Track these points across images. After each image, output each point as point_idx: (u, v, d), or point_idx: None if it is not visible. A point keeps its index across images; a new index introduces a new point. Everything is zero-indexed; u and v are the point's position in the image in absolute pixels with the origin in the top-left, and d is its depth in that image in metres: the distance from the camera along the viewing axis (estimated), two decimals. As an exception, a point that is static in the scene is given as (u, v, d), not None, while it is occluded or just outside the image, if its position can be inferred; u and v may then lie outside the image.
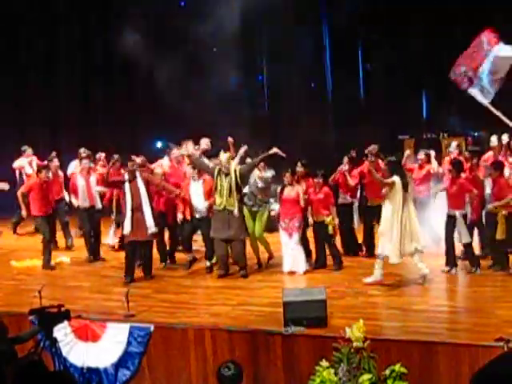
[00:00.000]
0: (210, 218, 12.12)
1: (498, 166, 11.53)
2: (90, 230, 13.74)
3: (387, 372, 8.06)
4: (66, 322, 8.20)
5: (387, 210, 10.82)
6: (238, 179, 11.71)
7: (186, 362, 9.41)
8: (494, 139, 13.61)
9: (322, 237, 12.05)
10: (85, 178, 13.72)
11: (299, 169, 12.43)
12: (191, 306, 10.43)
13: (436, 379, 8.28)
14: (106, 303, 10.74)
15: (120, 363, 9.72)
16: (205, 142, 13.44)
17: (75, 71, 21.41)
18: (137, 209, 11.75)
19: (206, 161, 12.63)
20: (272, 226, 13.50)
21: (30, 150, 16.25)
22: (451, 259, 11.43)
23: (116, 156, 13.57)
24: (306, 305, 8.98)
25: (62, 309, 7.75)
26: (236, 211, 11.64)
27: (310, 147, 16.89)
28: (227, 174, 11.72)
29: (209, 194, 12.20)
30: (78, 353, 9.86)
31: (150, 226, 11.79)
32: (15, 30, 20.70)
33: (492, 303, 9.74)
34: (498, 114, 10.71)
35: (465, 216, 11.42)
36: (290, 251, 11.90)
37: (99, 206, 13.93)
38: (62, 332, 9.21)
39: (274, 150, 11.86)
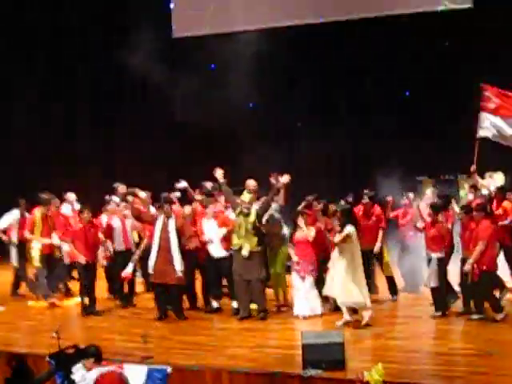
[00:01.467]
0: (230, 258, 12.13)
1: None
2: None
3: (406, 416, 7.99)
4: (82, 364, 8.18)
5: (341, 261, 11.01)
6: (257, 221, 11.70)
7: (204, 405, 9.35)
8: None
9: None
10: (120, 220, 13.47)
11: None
12: (209, 348, 10.38)
13: (456, 424, 8.19)
14: (124, 344, 10.72)
15: (138, 405, 9.65)
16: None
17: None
18: (164, 250, 11.80)
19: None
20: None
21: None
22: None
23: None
24: (324, 347, 8.93)
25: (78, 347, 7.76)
26: (246, 252, 11.58)
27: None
28: (247, 215, 11.71)
29: (222, 225, 12.32)
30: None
31: (177, 269, 11.77)
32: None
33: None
34: None
35: (441, 259, 11.37)
36: (303, 295, 11.78)
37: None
38: (79, 373, 9.17)
39: (286, 178, 11.93)
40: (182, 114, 20.72)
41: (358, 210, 13.01)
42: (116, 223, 13.41)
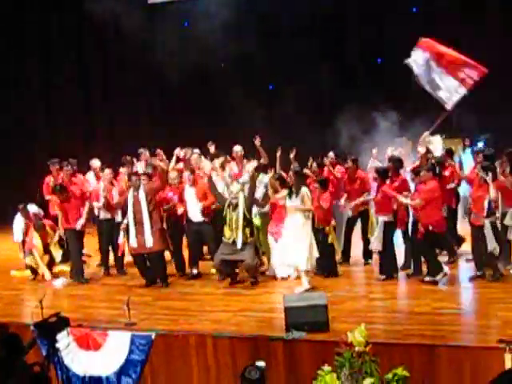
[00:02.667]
0: (209, 224, 12.20)
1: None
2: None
3: (390, 376, 8.02)
4: (66, 332, 8.17)
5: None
6: (246, 212, 11.61)
7: (188, 369, 9.38)
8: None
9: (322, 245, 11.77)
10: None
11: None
12: (192, 313, 10.41)
13: (438, 382, 8.27)
14: (107, 311, 10.72)
15: (122, 371, 9.70)
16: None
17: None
18: (139, 222, 11.78)
19: (220, 185, 12.48)
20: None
21: None
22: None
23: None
24: (307, 310, 8.98)
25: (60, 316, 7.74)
26: (240, 245, 11.46)
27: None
28: (236, 207, 11.61)
29: (202, 197, 12.28)
30: (80, 362, 9.84)
31: (148, 239, 11.75)
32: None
33: (493, 304, 9.72)
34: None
35: (387, 223, 11.41)
36: (277, 256, 11.72)
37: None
38: (64, 341, 9.18)
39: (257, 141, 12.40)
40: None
41: (342, 173, 12.99)
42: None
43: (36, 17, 21.37)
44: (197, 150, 14.23)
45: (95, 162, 14.64)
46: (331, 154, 13.89)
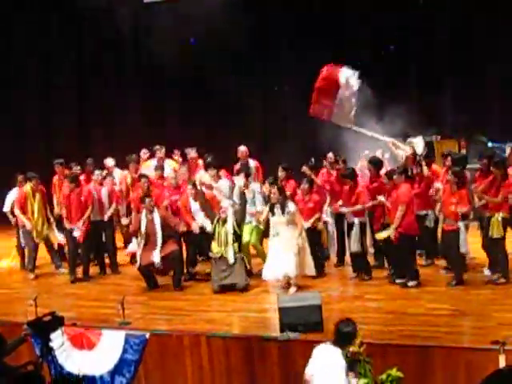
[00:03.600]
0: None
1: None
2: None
3: (383, 376, 8.02)
4: (60, 331, 8.17)
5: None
6: (236, 227, 11.54)
7: (182, 369, 9.38)
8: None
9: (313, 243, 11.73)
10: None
11: (281, 173, 12.41)
12: (186, 313, 10.41)
13: (432, 383, 8.28)
14: (102, 311, 10.71)
15: (116, 371, 9.70)
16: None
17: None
18: (152, 242, 11.67)
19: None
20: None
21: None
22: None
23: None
24: (301, 310, 8.98)
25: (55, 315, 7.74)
26: (232, 259, 11.37)
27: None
28: (224, 222, 11.55)
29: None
30: (74, 361, 9.84)
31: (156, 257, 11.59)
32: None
33: (487, 306, 9.74)
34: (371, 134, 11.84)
35: (362, 224, 11.49)
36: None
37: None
38: (58, 340, 9.18)
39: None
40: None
41: (329, 174, 12.93)
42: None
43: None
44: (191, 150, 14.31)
45: (109, 161, 14.51)
46: (330, 154, 13.78)
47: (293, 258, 10.87)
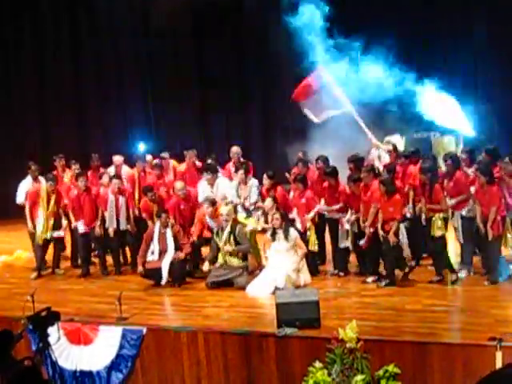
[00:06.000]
0: None
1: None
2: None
3: (381, 372, 8.06)
4: (57, 326, 8.16)
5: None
6: (238, 238, 11.49)
7: (179, 365, 9.39)
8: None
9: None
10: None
11: (265, 181, 12.33)
12: (184, 309, 10.41)
13: (429, 379, 8.27)
14: (99, 306, 10.71)
15: (113, 366, 9.71)
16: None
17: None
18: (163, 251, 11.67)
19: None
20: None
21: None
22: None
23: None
24: (298, 306, 8.97)
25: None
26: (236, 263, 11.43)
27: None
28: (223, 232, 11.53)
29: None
30: (71, 356, 9.87)
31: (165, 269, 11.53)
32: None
33: (484, 302, 9.72)
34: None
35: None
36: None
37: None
38: (55, 336, 9.18)
39: None
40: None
41: (313, 173, 12.79)
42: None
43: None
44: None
45: (117, 158, 14.25)
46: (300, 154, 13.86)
47: (284, 275, 10.80)
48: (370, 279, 11.09)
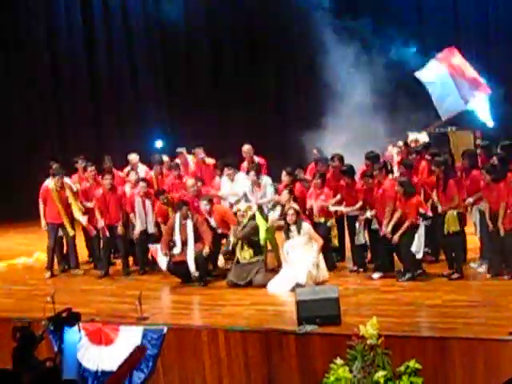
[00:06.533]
0: None
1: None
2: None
3: (402, 368, 8.05)
4: (78, 327, 8.20)
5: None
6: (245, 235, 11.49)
7: (200, 364, 9.41)
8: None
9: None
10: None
11: (284, 178, 12.30)
12: (204, 307, 10.45)
13: (451, 374, 8.27)
14: (119, 306, 10.75)
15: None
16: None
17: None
18: (184, 243, 11.66)
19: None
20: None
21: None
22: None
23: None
24: (319, 303, 8.98)
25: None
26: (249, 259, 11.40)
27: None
28: (243, 227, 11.51)
29: (221, 224, 12.06)
30: (92, 356, 9.89)
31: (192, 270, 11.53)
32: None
33: (505, 297, 9.68)
34: None
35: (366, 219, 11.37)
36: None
37: None
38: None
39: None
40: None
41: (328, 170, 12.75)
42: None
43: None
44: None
45: (133, 157, 14.13)
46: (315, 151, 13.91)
47: (306, 271, 10.79)
48: (376, 275, 11.09)
